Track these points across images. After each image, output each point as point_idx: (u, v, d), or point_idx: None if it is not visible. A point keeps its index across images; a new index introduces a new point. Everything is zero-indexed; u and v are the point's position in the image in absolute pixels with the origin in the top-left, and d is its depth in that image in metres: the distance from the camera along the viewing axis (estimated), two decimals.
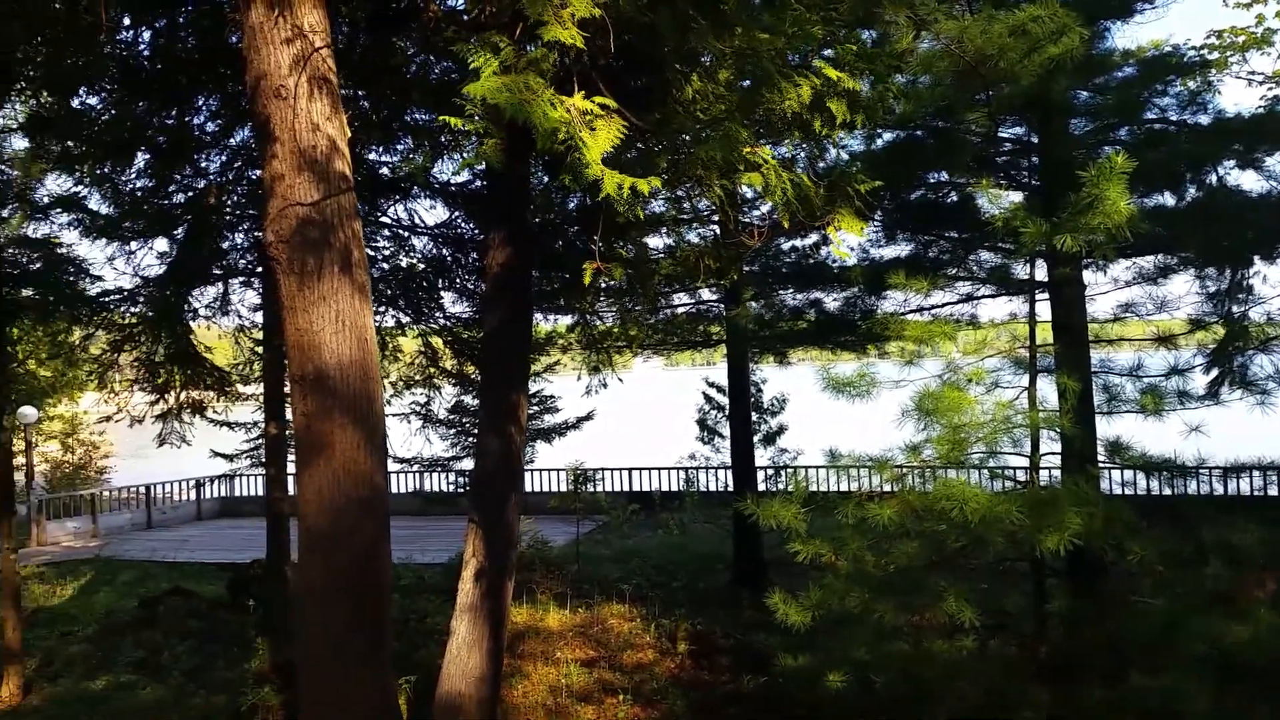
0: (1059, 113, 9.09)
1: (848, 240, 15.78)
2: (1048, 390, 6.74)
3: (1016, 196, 9.64)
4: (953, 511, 5.82)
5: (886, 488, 6.95)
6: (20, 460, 20.42)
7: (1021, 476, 6.83)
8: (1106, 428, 7.12)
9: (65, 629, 13.04)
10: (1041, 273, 7.79)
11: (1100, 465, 6.85)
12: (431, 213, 59.89)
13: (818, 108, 5.65)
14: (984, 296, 10.29)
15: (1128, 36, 36.56)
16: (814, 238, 13.03)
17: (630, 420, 34.17)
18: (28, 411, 20.45)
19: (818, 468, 18.79)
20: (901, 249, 11.23)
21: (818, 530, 6.74)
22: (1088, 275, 9.10)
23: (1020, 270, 8.47)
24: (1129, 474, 7.69)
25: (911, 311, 10.46)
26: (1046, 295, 8.09)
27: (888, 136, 10.26)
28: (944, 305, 10.50)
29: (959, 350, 6.97)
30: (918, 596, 6.58)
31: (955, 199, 10.58)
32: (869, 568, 6.69)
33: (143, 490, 23.62)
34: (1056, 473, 7.00)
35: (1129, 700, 6.22)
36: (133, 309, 12.29)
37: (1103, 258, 7.62)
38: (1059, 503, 5.87)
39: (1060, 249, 5.92)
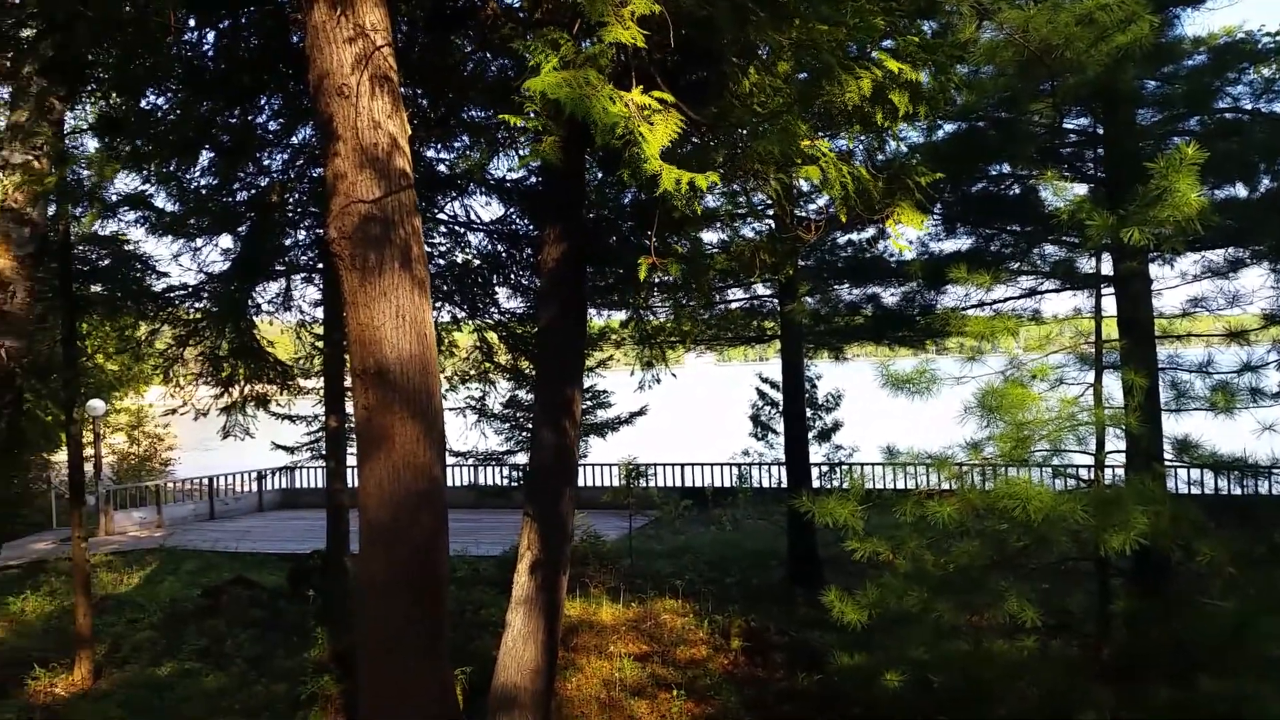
0: (1126, 103, 8.88)
1: (907, 234, 15.56)
2: (1113, 387, 6.60)
3: (1081, 189, 9.45)
4: (1015, 510, 5.73)
5: (946, 485, 6.86)
6: (89, 452, 20.99)
7: (1086, 475, 6.70)
8: (1174, 425, 6.97)
9: (132, 616, 13.37)
10: (1107, 267, 7.63)
11: (1167, 464, 6.70)
12: (487, 209, 60.53)
13: (878, 100, 5.58)
14: (1048, 291, 10.08)
15: (1198, 24, 35.45)
16: (871, 231, 12.91)
17: (683, 416, 34.12)
18: (96, 404, 21.01)
19: (874, 464, 18.62)
20: (962, 242, 11.09)
21: (875, 528, 6.68)
22: (1154, 269, 8.90)
23: (1085, 264, 8.30)
24: (1197, 473, 7.49)
25: (972, 306, 10.33)
26: (1112, 290, 7.92)
27: (949, 128, 10.11)
28: (1006, 300, 10.32)
29: (1022, 346, 6.86)
30: (978, 596, 6.51)
31: (1018, 191, 10.40)
32: (928, 566, 6.62)
33: (206, 482, 24.14)
34: (1122, 471, 6.85)
35: (1197, 702, 6.08)
36: (197, 304, 12.53)
37: (1171, 251, 7.42)
38: (1124, 502, 5.75)
39: (1127, 242, 5.78)
